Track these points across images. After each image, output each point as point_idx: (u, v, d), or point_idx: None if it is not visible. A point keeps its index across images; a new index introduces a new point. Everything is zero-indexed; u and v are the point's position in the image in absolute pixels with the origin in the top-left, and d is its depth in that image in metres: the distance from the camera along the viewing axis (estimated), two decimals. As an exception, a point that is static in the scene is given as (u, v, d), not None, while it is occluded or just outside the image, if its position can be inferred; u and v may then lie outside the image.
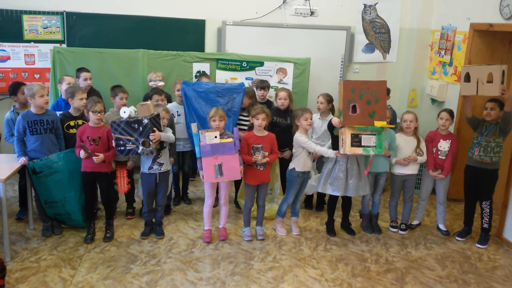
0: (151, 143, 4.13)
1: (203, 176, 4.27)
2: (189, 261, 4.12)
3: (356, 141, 4.12)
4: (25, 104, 4.61)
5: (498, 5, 4.88)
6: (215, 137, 4.17)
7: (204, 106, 4.93)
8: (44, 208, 4.40)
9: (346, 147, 4.12)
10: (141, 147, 4.14)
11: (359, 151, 4.14)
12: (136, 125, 4.10)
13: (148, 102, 4.27)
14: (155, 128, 4.12)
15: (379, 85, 4.13)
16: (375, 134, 4.14)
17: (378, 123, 4.10)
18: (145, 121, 4.08)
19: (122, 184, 4.57)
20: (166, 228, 4.68)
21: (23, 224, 4.64)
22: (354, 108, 4.10)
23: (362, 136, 4.13)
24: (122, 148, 4.16)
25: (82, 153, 4.16)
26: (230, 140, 4.22)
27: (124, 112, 4.15)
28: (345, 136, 4.12)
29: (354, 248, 4.49)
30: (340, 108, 4.19)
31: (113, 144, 4.17)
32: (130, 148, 4.16)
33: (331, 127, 4.37)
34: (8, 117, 4.54)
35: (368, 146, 4.13)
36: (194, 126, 4.23)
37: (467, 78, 4.43)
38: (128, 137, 4.13)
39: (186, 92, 4.97)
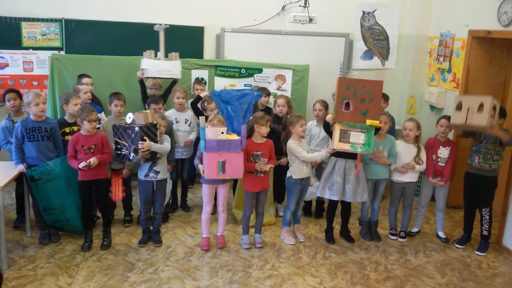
0: (139, 151, 4.11)
1: (203, 171, 4.22)
2: (187, 269, 4.09)
3: (344, 137, 4.14)
4: (19, 110, 4.63)
5: (496, 12, 4.89)
6: (222, 133, 4.11)
7: (225, 111, 5.22)
8: (42, 215, 4.38)
9: (335, 142, 4.14)
10: (132, 154, 4.14)
11: (346, 147, 4.15)
12: (130, 131, 4.11)
13: (148, 111, 4.27)
14: (146, 138, 4.10)
15: (375, 84, 4.13)
16: (364, 132, 4.14)
17: (369, 122, 4.10)
18: (136, 129, 4.08)
19: (116, 192, 4.53)
20: (164, 236, 4.65)
21: (20, 232, 4.62)
22: (347, 105, 4.11)
23: (351, 132, 4.14)
24: (119, 152, 4.22)
25: (82, 164, 4.11)
26: (237, 137, 4.17)
27: (129, 117, 4.16)
28: (335, 131, 4.16)
29: (353, 256, 4.47)
30: (334, 104, 4.21)
31: (112, 147, 4.22)
32: (125, 153, 4.20)
33: (326, 124, 4.39)
34: (3, 124, 4.54)
35: (356, 143, 4.14)
36: (202, 120, 4.13)
37: (459, 107, 4.31)
38: (124, 142, 4.14)
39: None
